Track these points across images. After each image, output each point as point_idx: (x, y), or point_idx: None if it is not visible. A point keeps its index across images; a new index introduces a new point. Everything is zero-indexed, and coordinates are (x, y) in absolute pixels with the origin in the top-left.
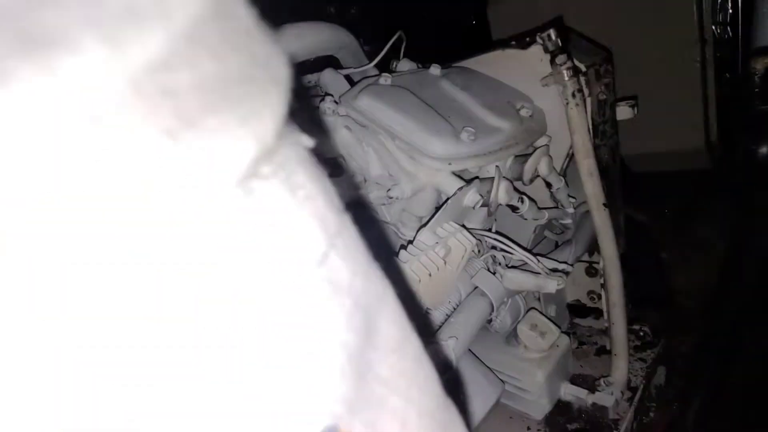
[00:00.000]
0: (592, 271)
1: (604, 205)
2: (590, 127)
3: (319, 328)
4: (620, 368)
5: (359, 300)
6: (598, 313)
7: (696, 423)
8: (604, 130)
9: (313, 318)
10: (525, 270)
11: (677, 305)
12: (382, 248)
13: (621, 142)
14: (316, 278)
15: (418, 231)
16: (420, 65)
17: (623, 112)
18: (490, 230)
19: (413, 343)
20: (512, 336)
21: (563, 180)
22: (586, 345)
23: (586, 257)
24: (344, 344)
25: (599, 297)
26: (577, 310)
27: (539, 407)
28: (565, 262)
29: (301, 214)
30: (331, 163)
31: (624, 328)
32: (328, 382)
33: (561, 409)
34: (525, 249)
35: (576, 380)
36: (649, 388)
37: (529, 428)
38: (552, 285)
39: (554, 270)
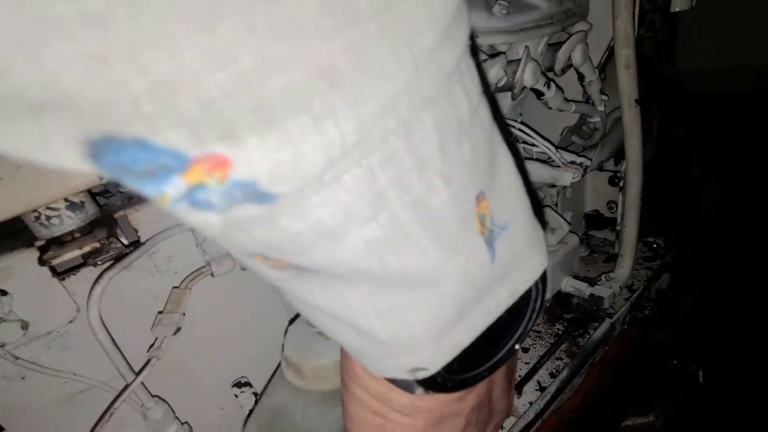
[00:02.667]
0: (615, 180)
1: (636, 101)
2: (637, 13)
3: None
4: (624, 267)
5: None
6: (614, 223)
7: (687, 318)
8: (652, 19)
9: None
10: (542, 162)
11: (697, 224)
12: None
13: (680, 57)
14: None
15: None
16: None
17: (680, 1)
18: (514, 122)
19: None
20: None
21: (597, 72)
22: (597, 254)
23: (611, 167)
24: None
25: (617, 206)
26: (594, 220)
27: None
28: (585, 157)
29: None
30: None
31: (635, 231)
32: None
33: (560, 300)
34: (546, 139)
35: (580, 280)
36: (649, 289)
37: None
38: (567, 177)
39: (572, 163)
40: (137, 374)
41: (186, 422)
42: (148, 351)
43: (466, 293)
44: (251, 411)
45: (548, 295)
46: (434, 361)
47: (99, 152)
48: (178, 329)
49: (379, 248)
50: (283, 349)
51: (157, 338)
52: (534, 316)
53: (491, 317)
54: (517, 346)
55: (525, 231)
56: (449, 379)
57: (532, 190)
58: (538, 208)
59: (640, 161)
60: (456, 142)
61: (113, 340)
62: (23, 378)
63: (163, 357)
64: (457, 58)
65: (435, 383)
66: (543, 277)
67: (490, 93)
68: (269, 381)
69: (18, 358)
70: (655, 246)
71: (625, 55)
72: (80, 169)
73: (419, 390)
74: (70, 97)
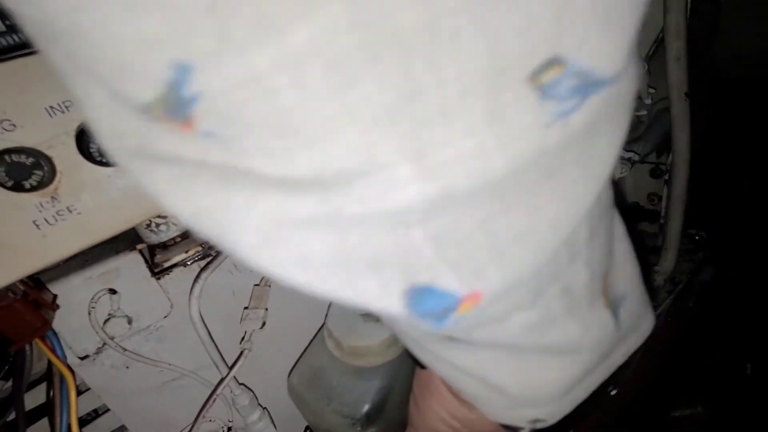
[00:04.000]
0: (657, 172)
1: (686, 94)
2: (688, 4)
3: None
4: (668, 260)
5: None
6: (653, 216)
7: (732, 310)
8: (703, 10)
9: None
10: None
11: (740, 214)
12: None
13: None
14: None
15: None
16: None
17: None
18: None
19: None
20: None
21: (645, 66)
22: (636, 246)
23: (653, 159)
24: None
25: (659, 199)
26: (633, 212)
27: None
28: (633, 151)
29: None
30: None
31: (680, 224)
32: None
33: None
34: None
35: None
36: (693, 282)
37: None
38: (615, 172)
39: (620, 158)
40: (231, 366)
41: (265, 407)
42: (240, 343)
43: (593, 359)
44: (296, 363)
45: None
46: (555, 414)
47: (413, 301)
48: (264, 323)
49: (531, 329)
50: (326, 317)
51: (246, 332)
52: (634, 364)
53: (606, 375)
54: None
55: (640, 296)
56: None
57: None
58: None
59: (689, 155)
60: (598, 228)
61: (209, 333)
62: (127, 367)
63: (249, 352)
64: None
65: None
66: None
67: None
68: (314, 337)
69: (125, 349)
70: (697, 238)
71: (676, 47)
72: (399, 314)
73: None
74: (394, 255)
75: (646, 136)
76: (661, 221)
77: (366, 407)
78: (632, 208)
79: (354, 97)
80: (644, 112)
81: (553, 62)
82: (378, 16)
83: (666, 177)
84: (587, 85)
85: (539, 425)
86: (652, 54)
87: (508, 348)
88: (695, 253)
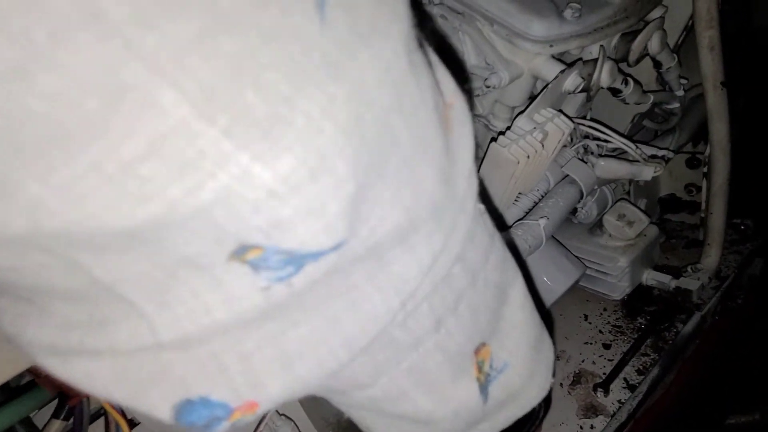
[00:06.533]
0: (694, 162)
1: (722, 84)
2: None
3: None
4: (711, 255)
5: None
6: (693, 207)
7: None
8: None
9: None
10: (619, 158)
11: None
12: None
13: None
14: None
15: (515, 118)
16: None
17: None
18: (584, 117)
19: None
20: (597, 226)
21: (676, 58)
22: (675, 239)
23: (688, 148)
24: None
25: (698, 189)
26: (670, 204)
27: (618, 288)
28: (667, 149)
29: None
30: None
31: (723, 218)
32: None
33: (641, 293)
34: (622, 135)
35: (660, 270)
36: (741, 277)
37: (605, 309)
38: (648, 172)
39: (653, 156)
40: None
41: None
42: None
43: (456, 428)
44: None
45: (629, 290)
46: None
47: (180, 413)
48: None
49: (379, 401)
50: None
51: None
52: (537, 423)
53: None
54: None
55: (525, 366)
56: None
57: (543, 308)
58: (549, 323)
59: (728, 146)
60: (453, 315)
61: None
62: None
63: None
64: (454, 258)
65: None
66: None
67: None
68: None
69: None
70: (743, 228)
71: (709, 36)
72: (166, 422)
73: None
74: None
75: (680, 126)
76: (702, 215)
77: (347, 416)
78: (667, 200)
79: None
80: (677, 105)
81: (251, 247)
82: None
83: (704, 169)
84: (297, 258)
85: None
86: (681, 43)
87: (379, 413)
88: (742, 245)
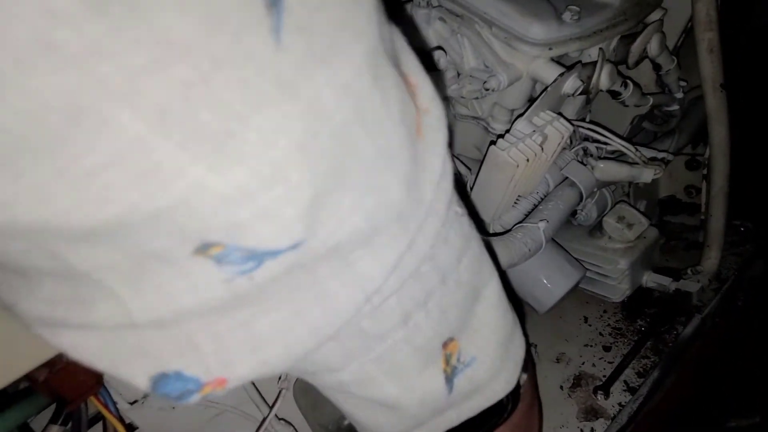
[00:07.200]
0: (693, 164)
1: (721, 86)
2: None
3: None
4: (711, 258)
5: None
6: (692, 209)
7: None
8: None
9: None
10: (619, 160)
11: None
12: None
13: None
14: None
15: (514, 121)
16: None
17: None
18: (584, 120)
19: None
20: (596, 229)
21: (675, 60)
22: (675, 241)
23: (688, 150)
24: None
25: (698, 191)
26: (670, 205)
27: (618, 291)
28: (666, 150)
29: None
30: (426, 59)
31: (722, 220)
32: None
33: (641, 295)
34: (621, 137)
35: (660, 272)
36: (741, 278)
37: (605, 311)
38: (648, 174)
39: (653, 159)
40: (272, 406)
41: None
42: (278, 383)
43: (422, 413)
44: None
45: (629, 292)
46: None
47: (156, 384)
48: None
49: (348, 385)
50: None
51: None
52: (506, 416)
53: (452, 424)
54: None
55: (493, 361)
56: None
57: (519, 306)
58: (521, 315)
59: (728, 148)
60: (422, 310)
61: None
62: (173, 408)
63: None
64: (422, 258)
65: None
66: (514, 390)
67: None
68: None
69: None
70: (743, 229)
71: (708, 39)
72: (143, 389)
73: None
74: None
75: (679, 128)
76: (702, 217)
77: (346, 422)
78: (667, 201)
79: None
80: (676, 107)
81: (213, 244)
82: None
83: (704, 171)
84: (258, 255)
85: None
86: (680, 45)
87: (344, 393)
88: (742, 246)
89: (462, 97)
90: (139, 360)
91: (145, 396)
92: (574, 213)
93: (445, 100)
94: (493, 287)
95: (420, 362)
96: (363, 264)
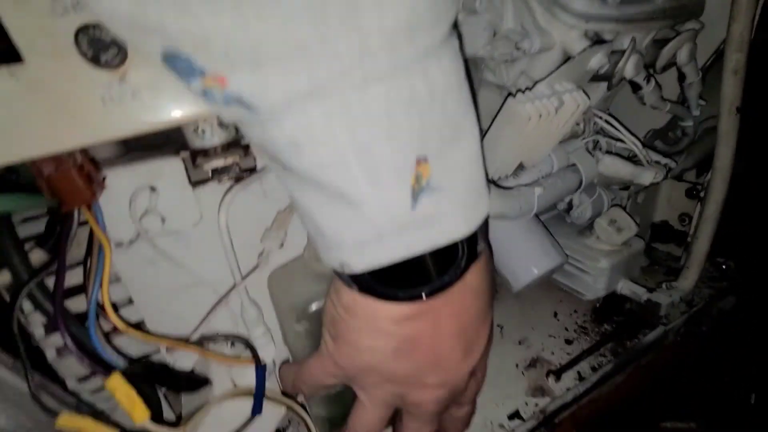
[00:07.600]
0: (693, 193)
1: (737, 109)
2: (757, 17)
3: None
4: (688, 278)
5: None
6: (682, 239)
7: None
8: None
9: None
10: (624, 158)
11: None
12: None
13: None
14: None
15: (534, 84)
16: None
17: None
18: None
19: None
20: (587, 228)
21: (700, 74)
22: (658, 266)
23: (691, 179)
24: None
25: (690, 220)
26: (661, 231)
27: (593, 289)
28: (671, 158)
29: None
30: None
31: (707, 244)
32: None
33: (612, 303)
34: (634, 135)
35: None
36: (711, 307)
37: (576, 311)
38: (648, 176)
39: (657, 163)
40: (245, 276)
41: (269, 329)
42: (258, 258)
43: (384, 223)
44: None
45: (603, 293)
46: (356, 263)
47: (167, 59)
48: (282, 244)
49: (323, 167)
50: None
51: (264, 249)
52: (458, 272)
53: (408, 251)
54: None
55: (458, 198)
56: (377, 287)
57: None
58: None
59: (729, 173)
60: (405, 113)
61: (231, 243)
62: (153, 264)
63: (264, 267)
64: (426, 48)
65: (364, 285)
66: (472, 244)
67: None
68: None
69: (156, 246)
70: (724, 267)
71: (735, 59)
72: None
73: (354, 287)
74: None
75: (689, 150)
76: (689, 239)
77: (314, 306)
78: (660, 226)
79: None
80: (689, 123)
81: None
82: None
83: (701, 193)
84: None
85: (346, 269)
86: (709, 65)
87: (319, 188)
88: (719, 282)
89: (492, 60)
90: (153, 34)
91: (131, 241)
92: (569, 209)
93: (474, 62)
94: (472, 142)
95: (394, 165)
96: (368, 15)
